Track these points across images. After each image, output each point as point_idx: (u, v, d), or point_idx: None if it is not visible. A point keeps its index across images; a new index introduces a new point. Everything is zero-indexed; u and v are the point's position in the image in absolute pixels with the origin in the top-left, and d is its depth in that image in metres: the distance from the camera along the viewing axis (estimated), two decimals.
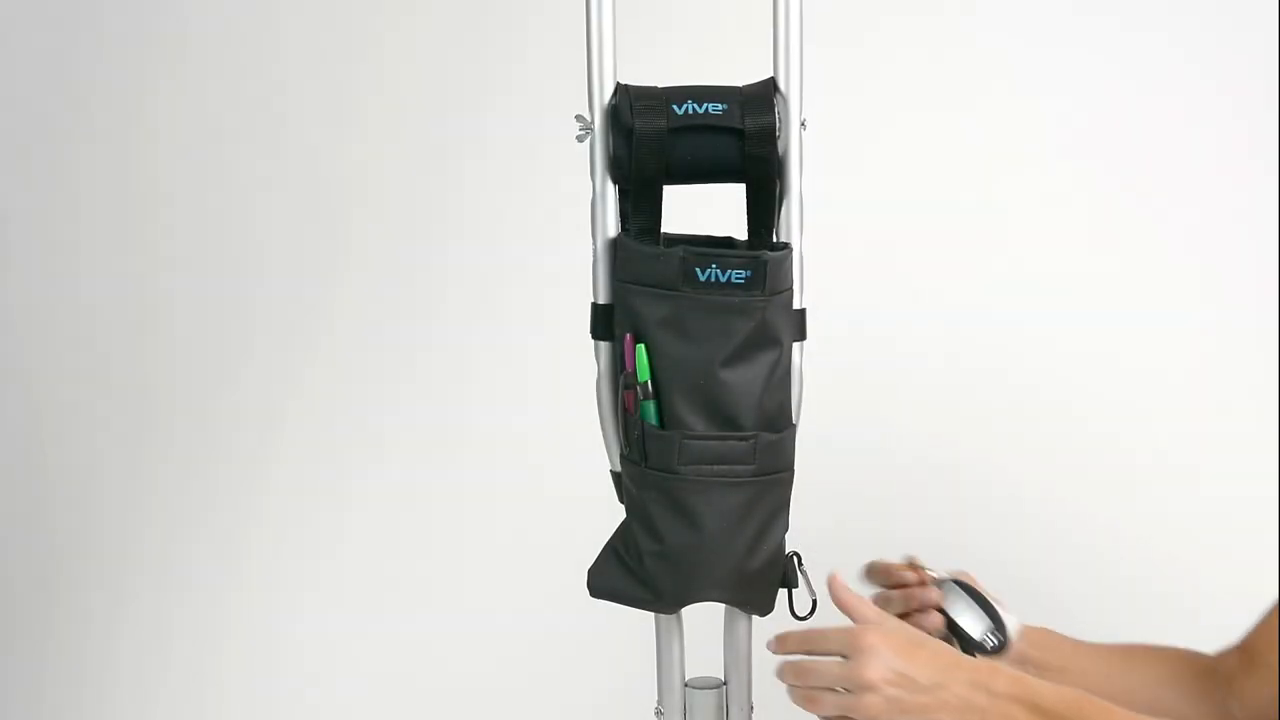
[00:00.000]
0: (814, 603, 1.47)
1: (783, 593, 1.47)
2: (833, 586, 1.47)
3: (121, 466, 2.44)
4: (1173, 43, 2.29)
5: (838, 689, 1.41)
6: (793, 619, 1.47)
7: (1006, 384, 2.29)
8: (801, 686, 1.43)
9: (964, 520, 2.26)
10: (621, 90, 1.40)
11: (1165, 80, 2.29)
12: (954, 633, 1.55)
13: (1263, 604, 1.63)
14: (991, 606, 1.57)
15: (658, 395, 1.39)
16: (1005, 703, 1.39)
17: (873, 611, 1.47)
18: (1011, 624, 1.57)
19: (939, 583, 1.57)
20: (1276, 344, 2.22)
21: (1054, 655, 1.59)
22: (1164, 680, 1.65)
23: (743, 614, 1.50)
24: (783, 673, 1.45)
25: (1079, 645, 1.65)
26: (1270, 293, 2.24)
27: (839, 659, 1.41)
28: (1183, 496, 2.26)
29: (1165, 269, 2.30)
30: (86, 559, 2.45)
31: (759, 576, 1.45)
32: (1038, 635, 1.60)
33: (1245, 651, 1.63)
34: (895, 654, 1.39)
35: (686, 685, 1.53)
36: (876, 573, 1.60)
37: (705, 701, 1.53)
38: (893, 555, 1.61)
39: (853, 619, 1.46)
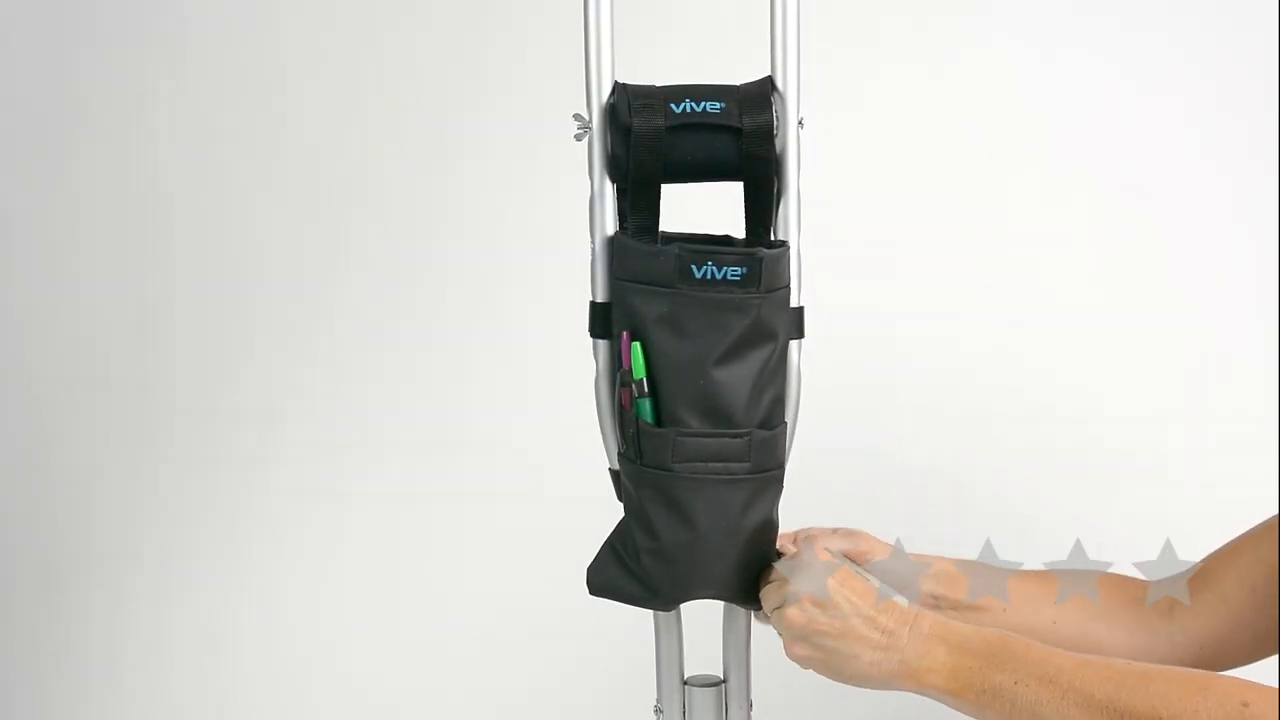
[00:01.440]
0: None
1: None
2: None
3: (122, 466, 2.44)
4: (1173, 43, 2.28)
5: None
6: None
7: (1006, 384, 2.29)
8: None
9: (966, 521, 2.26)
10: (620, 89, 1.40)
11: (1165, 80, 2.29)
12: None
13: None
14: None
15: (654, 392, 1.40)
16: (928, 641, 1.40)
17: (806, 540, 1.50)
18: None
19: None
20: (1276, 344, 2.22)
21: (974, 588, 1.60)
22: (1096, 612, 1.64)
23: (742, 611, 1.51)
24: None
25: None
26: (1270, 293, 2.23)
27: (780, 577, 1.45)
28: (1184, 498, 2.25)
29: (1165, 269, 2.30)
30: (87, 559, 2.46)
31: (755, 573, 1.46)
32: (950, 569, 1.61)
33: (1196, 578, 1.62)
34: (826, 573, 1.42)
35: (686, 683, 1.54)
36: None
37: (705, 699, 1.53)
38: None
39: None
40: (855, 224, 2.22)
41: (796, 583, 1.42)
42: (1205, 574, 1.62)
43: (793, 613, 1.42)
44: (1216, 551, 1.64)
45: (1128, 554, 2.22)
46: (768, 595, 1.46)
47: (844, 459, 2.22)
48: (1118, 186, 2.30)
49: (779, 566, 1.45)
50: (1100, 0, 2.29)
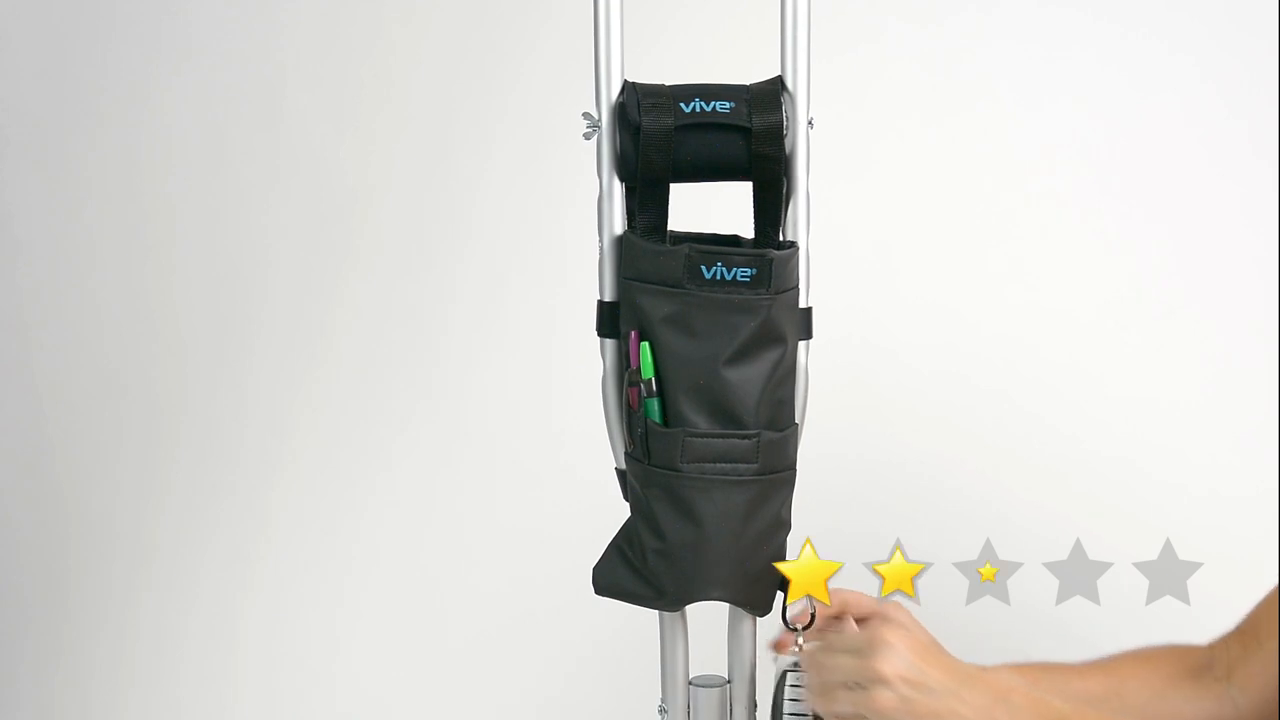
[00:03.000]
0: (812, 615, 1.48)
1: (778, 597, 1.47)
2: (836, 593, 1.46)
3: (129, 468, 2.44)
4: (1173, 44, 2.29)
5: (851, 685, 1.39)
6: (783, 625, 1.47)
7: (1006, 384, 2.29)
8: (818, 682, 1.42)
9: (967, 521, 2.26)
10: (629, 88, 1.40)
11: (1165, 81, 2.30)
12: None
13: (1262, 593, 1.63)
14: None
15: (661, 392, 1.40)
16: (1022, 714, 1.38)
17: (893, 607, 1.47)
18: None
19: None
20: (1276, 344, 2.22)
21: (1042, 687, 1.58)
22: (1164, 685, 1.64)
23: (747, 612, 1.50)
24: (802, 664, 1.45)
25: (1068, 670, 1.64)
26: (1270, 293, 2.24)
27: (854, 652, 1.40)
28: (1184, 498, 2.25)
29: (1165, 269, 2.30)
30: (96, 560, 2.46)
31: (760, 576, 1.45)
32: (1016, 672, 1.59)
33: (1246, 635, 1.62)
34: (912, 652, 1.38)
35: (690, 683, 1.53)
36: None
37: (709, 699, 1.53)
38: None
39: (865, 612, 1.46)
40: (856, 224, 2.22)
41: (884, 662, 1.37)
42: (1254, 629, 1.61)
43: (885, 697, 1.37)
44: (1257, 605, 1.63)
45: (1128, 554, 2.22)
46: (824, 666, 1.41)
47: (844, 459, 2.22)
48: (1118, 187, 2.30)
49: (850, 638, 1.41)
50: (1102, 2, 2.29)
